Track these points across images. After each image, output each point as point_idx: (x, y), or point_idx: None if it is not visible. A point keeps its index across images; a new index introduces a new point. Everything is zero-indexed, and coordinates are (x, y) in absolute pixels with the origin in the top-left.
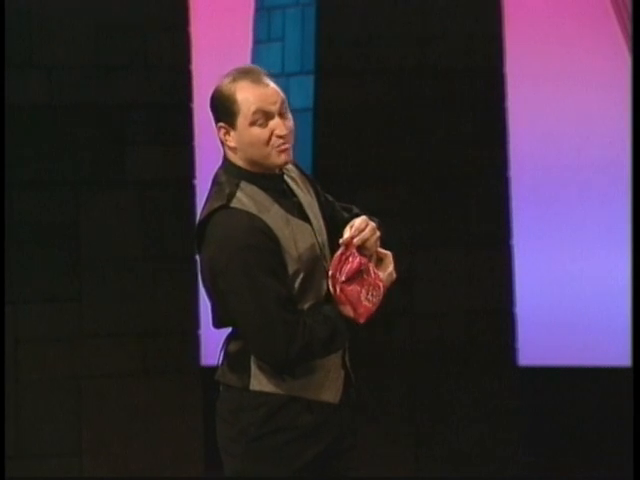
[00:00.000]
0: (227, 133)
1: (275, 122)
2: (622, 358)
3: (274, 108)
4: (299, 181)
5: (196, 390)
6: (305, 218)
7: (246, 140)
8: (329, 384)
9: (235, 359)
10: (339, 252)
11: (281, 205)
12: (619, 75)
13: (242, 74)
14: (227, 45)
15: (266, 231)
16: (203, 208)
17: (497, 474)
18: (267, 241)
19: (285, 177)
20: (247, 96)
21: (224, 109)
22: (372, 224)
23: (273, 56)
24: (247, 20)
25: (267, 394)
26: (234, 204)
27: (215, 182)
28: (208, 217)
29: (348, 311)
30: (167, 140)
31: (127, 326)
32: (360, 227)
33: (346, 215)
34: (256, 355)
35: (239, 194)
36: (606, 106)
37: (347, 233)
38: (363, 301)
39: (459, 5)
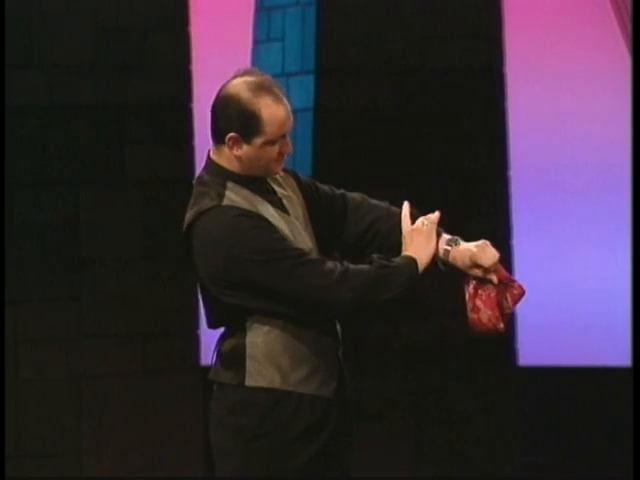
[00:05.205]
0: (236, 143)
1: (284, 141)
2: (622, 358)
3: (288, 131)
4: (277, 177)
5: (196, 390)
6: (286, 212)
7: (258, 156)
8: (326, 379)
9: (229, 357)
10: (493, 294)
11: (269, 202)
12: (619, 75)
13: (262, 89)
14: (227, 45)
15: (262, 217)
16: (189, 208)
17: (497, 474)
18: (265, 223)
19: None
20: (273, 119)
21: (244, 123)
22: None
23: (273, 56)
24: (247, 20)
25: (262, 390)
26: (225, 203)
27: (199, 183)
28: (197, 217)
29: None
30: (167, 140)
31: (127, 326)
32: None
33: (326, 188)
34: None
35: (228, 193)
36: (606, 106)
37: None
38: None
39: (459, 5)
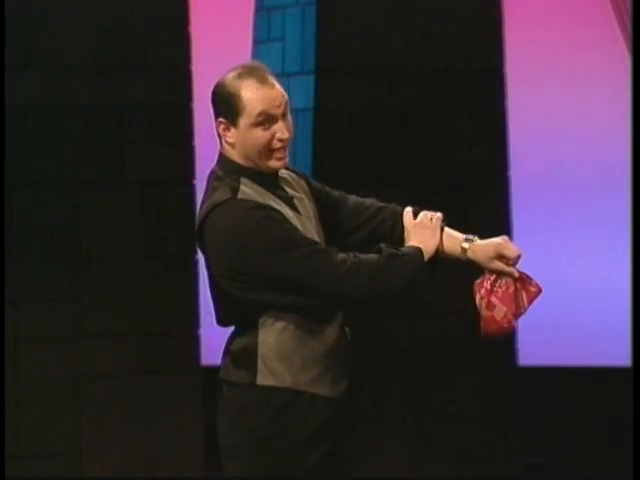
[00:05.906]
0: (227, 129)
1: (278, 125)
2: (622, 358)
3: (278, 111)
4: (288, 178)
5: (196, 390)
6: (297, 211)
7: (247, 140)
8: (336, 380)
9: (240, 356)
10: (511, 289)
11: (281, 200)
12: (619, 75)
13: (248, 71)
14: (227, 45)
15: (276, 210)
16: (202, 203)
17: (497, 474)
18: (279, 215)
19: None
20: (252, 96)
21: (227, 105)
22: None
23: (273, 56)
24: (247, 20)
25: (274, 389)
26: (240, 196)
27: (213, 178)
28: (211, 210)
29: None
30: (167, 140)
31: (127, 326)
32: (513, 255)
33: (335, 194)
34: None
35: (242, 188)
36: (606, 106)
37: (511, 269)
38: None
39: (459, 5)
